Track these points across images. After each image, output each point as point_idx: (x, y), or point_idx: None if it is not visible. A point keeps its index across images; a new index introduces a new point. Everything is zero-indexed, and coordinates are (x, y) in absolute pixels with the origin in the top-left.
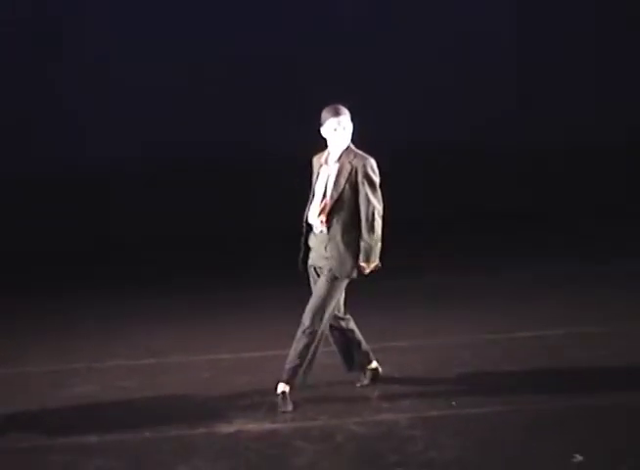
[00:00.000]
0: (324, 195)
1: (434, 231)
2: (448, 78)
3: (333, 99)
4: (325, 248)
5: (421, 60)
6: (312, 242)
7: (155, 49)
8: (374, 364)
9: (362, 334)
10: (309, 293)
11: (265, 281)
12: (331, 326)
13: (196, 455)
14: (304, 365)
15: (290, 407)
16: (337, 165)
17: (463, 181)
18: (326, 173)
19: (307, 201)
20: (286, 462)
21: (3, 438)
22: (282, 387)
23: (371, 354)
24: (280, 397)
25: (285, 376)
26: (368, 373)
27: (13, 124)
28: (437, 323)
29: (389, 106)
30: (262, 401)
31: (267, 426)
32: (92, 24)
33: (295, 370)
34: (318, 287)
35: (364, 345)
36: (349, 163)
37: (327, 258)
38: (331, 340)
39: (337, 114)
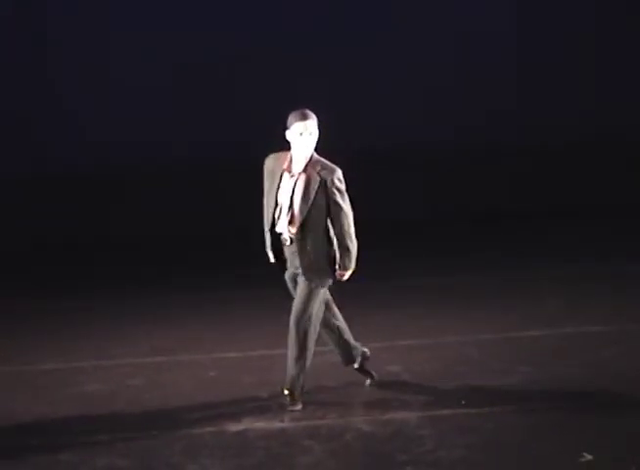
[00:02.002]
0: (290, 206)
1: (433, 231)
2: (448, 78)
3: (333, 99)
4: (298, 260)
5: (421, 60)
6: (286, 253)
7: (154, 49)
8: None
9: (365, 333)
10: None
11: (266, 281)
12: (322, 324)
13: (204, 454)
14: (302, 373)
15: (298, 406)
16: (303, 176)
17: (463, 181)
18: (290, 184)
19: (264, 206)
20: (294, 461)
21: (9, 436)
22: (288, 389)
23: (359, 347)
24: (288, 396)
25: (287, 384)
26: (361, 358)
27: (13, 124)
28: (439, 323)
29: (389, 106)
30: (270, 400)
31: (276, 425)
32: (92, 24)
33: (296, 378)
34: (299, 292)
35: (352, 339)
36: (318, 173)
37: (302, 269)
38: (325, 337)
39: (304, 118)
